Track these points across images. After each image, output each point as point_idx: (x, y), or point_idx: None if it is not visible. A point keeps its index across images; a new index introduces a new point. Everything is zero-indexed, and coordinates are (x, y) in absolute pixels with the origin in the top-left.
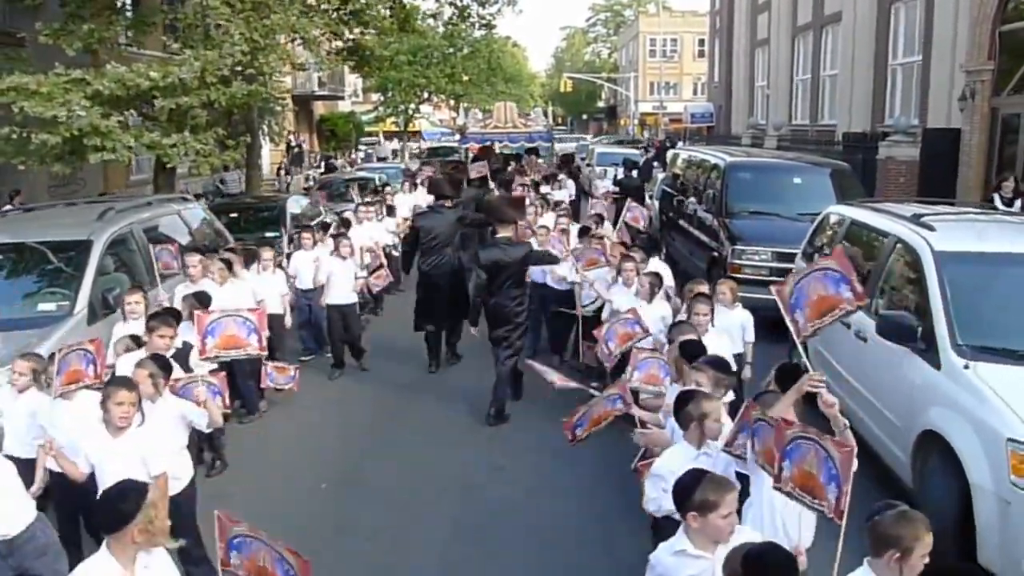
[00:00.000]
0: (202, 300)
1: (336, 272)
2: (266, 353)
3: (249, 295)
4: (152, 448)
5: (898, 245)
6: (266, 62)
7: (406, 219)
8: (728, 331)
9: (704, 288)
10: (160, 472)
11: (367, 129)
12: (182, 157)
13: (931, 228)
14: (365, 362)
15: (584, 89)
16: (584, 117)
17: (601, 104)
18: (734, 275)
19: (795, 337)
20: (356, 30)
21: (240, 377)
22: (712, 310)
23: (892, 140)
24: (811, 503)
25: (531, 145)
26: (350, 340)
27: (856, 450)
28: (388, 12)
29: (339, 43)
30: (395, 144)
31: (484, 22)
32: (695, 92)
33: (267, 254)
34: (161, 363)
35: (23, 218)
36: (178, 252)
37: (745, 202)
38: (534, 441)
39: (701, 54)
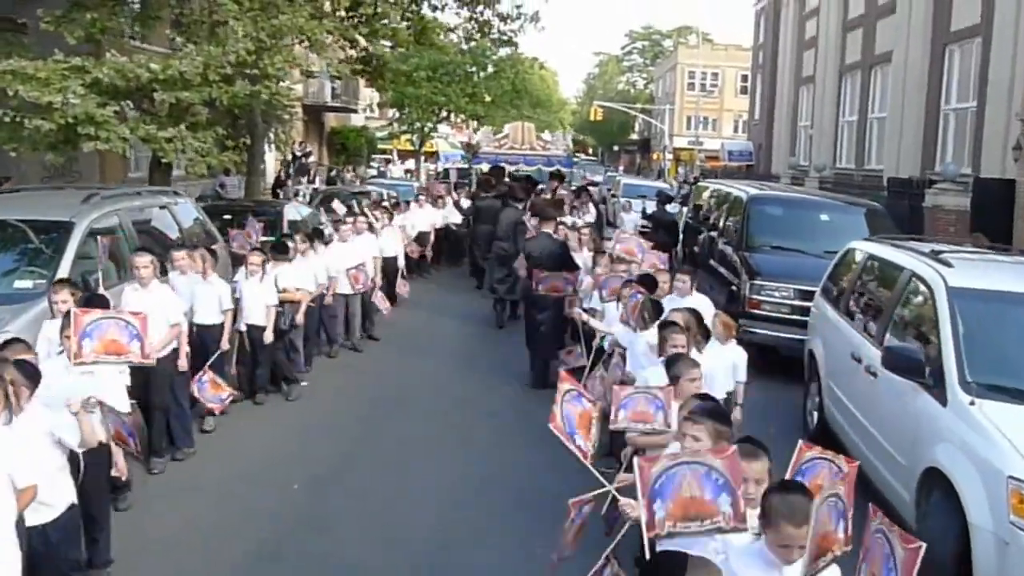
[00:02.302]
0: (97, 305)
1: (244, 291)
2: (152, 362)
3: (173, 302)
4: (18, 456)
5: (913, 280)
6: (271, 63)
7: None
8: (714, 370)
9: (678, 317)
10: (27, 484)
11: (380, 147)
12: (178, 153)
13: (948, 264)
14: (259, 399)
15: (616, 119)
16: (615, 148)
17: (634, 136)
18: (752, 311)
19: (644, 531)
20: (370, 39)
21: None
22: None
23: (939, 188)
24: None
25: (550, 169)
26: (267, 365)
27: (924, 548)
28: (404, 23)
29: (352, 52)
30: (409, 164)
31: (505, 38)
32: (736, 130)
33: (255, 259)
34: (26, 370)
35: (8, 198)
36: (113, 245)
37: (768, 237)
38: (522, 452)
39: (744, 90)
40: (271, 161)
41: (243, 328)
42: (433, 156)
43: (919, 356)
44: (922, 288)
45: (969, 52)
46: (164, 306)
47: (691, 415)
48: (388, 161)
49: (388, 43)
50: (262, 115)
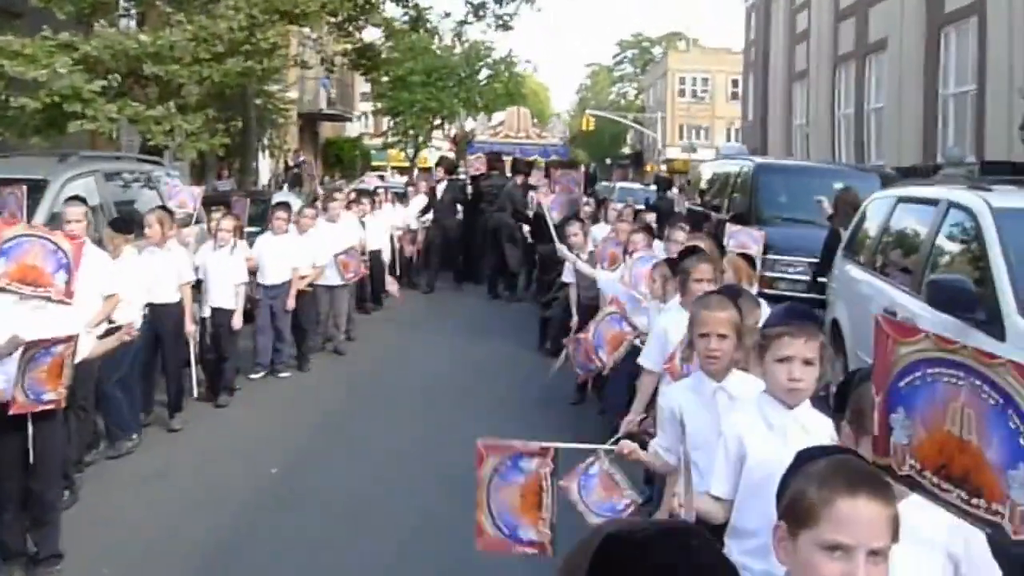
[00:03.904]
0: None
1: (209, 267)
2: (71, 302)
3: (110, 269)
4: None
5: (951, 210)
6: (264, 38)
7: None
8: None
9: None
10: None
11: (374, 163)
12: (167, 135)
13: (988, 189)
14: (223, 400)
15: (607, 130)
16: (608, 162)
17: (626, 150)
18: (763, 291)
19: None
20: (363, 17)
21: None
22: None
23: (945, 174)
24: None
25: (547, 160)
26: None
27: None
28: (400, 9)
29: (347, 45)
30: (404, 179)
31: (501, 23)
32: (728, 138)
33: (227, 224)
34: None
35: None
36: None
37: (777, 209)
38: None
39: (734, 96)
40: (265, 169)
41: (207, 313)
42: (427, 172)
43: (969, 286)
44: (963, 216)
45: (965, 33)
46: (98, 273)
47: (786, 326)
48: (382, 178)
49: (382, 33)
50: (257, 120)
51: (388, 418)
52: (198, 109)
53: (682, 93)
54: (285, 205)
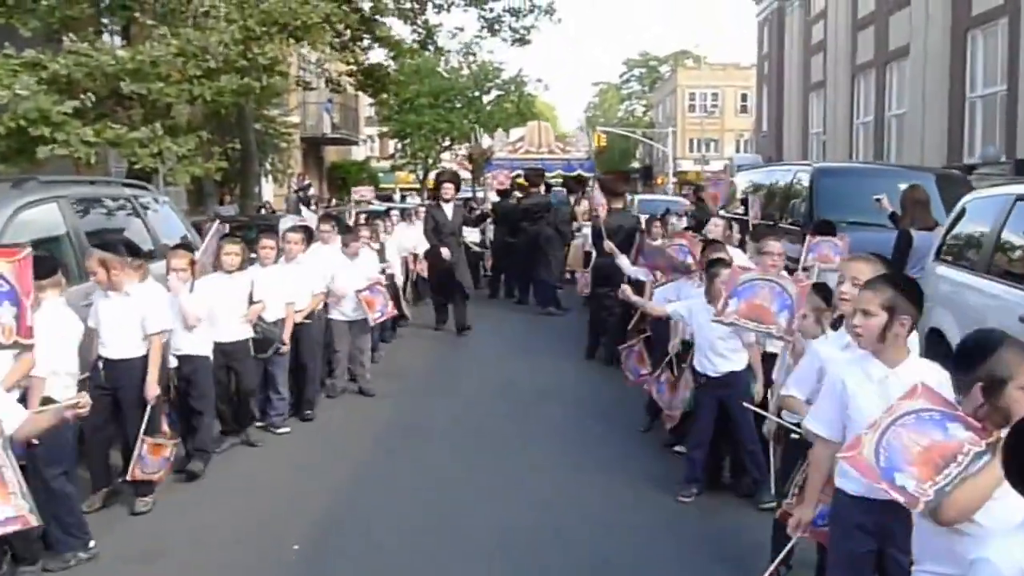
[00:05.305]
0: None
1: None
2: (31, 342)
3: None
4: None
5: None
6: (262, 52)
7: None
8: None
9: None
10: None
11: (382, 185)
12: (155, 158)
13: None
14: (194, 465)
15: (617, 146)
16: None
17: (636, 164)
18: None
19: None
20: (368, 29)
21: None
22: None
23: (981, 173)
24: None
25: (571, 174)
26: (242, 396)
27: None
28: (408, 27)
29: (352, 64)
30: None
31: (517, 36)
32: (737, 149)
33: (178, 262)
34: None
35: None
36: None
37: (841, 214)
38: (571, 486)
39: (744, 109)
40: (268, 193)
41: (172, 363)
42: (435, 191)
43: None
44: None
45: (994, 35)
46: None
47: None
48: (389, 199)
49: (387, 55)
50: (258, 144)
51: (424, 468)
52: (190, 131)
53: (692, 108)
54: (273, 233)
